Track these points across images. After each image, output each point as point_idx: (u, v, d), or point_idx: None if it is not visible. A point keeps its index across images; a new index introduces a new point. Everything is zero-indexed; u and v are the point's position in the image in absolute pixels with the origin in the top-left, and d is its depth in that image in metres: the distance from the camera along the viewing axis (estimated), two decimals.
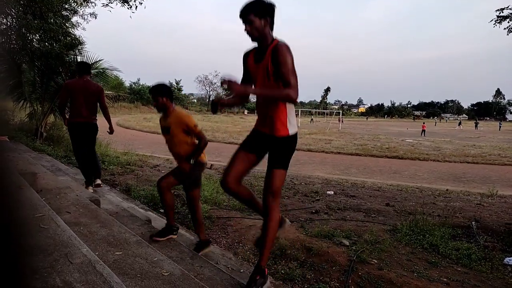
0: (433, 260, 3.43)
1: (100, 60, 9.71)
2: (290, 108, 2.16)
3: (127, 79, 60.09)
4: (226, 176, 2.30)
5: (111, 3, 8.98)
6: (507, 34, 5.79)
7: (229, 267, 2.98)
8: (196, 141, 3.09)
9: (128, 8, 9.10)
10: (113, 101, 13.16)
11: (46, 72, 8.98)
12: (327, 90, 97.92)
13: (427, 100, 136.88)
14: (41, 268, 1.65)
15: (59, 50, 8.71)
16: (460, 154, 15.95)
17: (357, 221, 4.67)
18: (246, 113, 70.78)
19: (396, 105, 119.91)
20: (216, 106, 2.16)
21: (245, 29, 2.06)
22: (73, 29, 9.65)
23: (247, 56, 2.25)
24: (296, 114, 2.33)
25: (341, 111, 53.33)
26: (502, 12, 5.72)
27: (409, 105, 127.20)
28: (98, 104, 4.69)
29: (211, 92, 79.02)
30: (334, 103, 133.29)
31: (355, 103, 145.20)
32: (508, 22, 5.73)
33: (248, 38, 2.11)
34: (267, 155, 2.32)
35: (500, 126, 46.67)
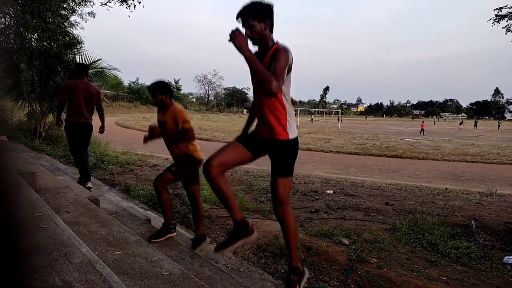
0: (432, 259, 3.43)
1: (98, 60, 9.68)
2: (290, 112, 2.12)
3: (126, 79, 60.06)
4: (211, 159, 2.12)
5: (110, 2, 8.93)
6: (506, 33, 5.79)
7: (228, 266, 2.98)
8: (195, 143, 3.10)
9: (126, 7, 9.07)
10: (112, 100, 13.16)
11: (45, 72, 8.96)
12: (326, 89, 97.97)
13: (426, 99, 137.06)
14: (40, 268, 1.65)
15: (58, 50, 8.68)
16: (459, 153, 15.96)
17: (356, 220, 4.68)
18: (245, 112, 70.78)
19: (395, 104, 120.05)
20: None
21: (245, 34, 2.00)
22: (71, 29, 9.63)
23: None
24: (295, 114, 2.31)
25: (340, 110, 53.38)
26: (501, 11, 5.73)
27: (408, 104, 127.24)
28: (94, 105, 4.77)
29: (210, 92, 79.03)
30: (333, 102, 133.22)
31: (354, 102, 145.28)
32: (507, 21, 5.74)
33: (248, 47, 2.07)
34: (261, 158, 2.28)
35: (499, 125, 46.76)
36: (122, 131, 21.80)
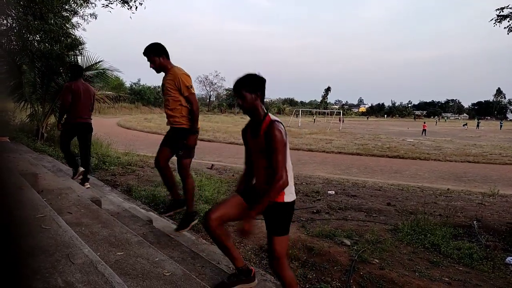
0: (434, 259, 3.43)
1: (100, 61, 9.72)
2: (289, 176, 2.17)
3: (128, 80, 60.01)
4: (212, 212, 2.27)
5: (111, 3, 8.97)
6: (508, 33, 5.78)
7: (230, 267, 2.97)
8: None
9: (128, 9, 9.10)
10: (114, 101, 13.18)
11: (47, 73, 8.99)
12: (328, 90, 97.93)
13: (428, 100, 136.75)
14: (42, 269, 1.65)
15: (60, 51, 8.72)
16: (461, 154, 15.93)
17: (358, 220, 4.67)
18: None
19: (396, 104, 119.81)
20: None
21: (237, 102, 2.20)
22: (73, 30, 9.68)
23: (245, 131, 2.33)
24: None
25: (341, 111, 53.31)
26: (502, 11, 5.71)
27: (409, 105, 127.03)
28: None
29: (211, 92, 79.05)
30: (335, 102, 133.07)
31: (355, 102, 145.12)
32: (508, 21, 5.72)
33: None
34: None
35: (501, 125, 46.68)
36: (124, 132, 21.83)
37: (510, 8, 5.62)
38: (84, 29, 10.14)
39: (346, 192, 6.72)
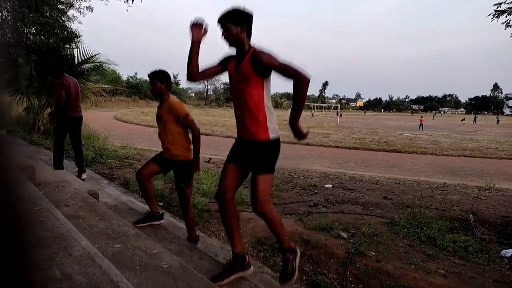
0: (430, 252, 3.45)
1: (97, 54, 9.64)
2: (270, 113, 2.18)
3: (124, 73, 59.57)
4: (221, 188, 2.33)
5: None
6: (505, 29, 5.78)
7: (227, 259, 2.98)
8: (189, 137, 3.07)
9: (124, 2, 9.01)
10: (111, 95, 13.11)
11: (43, 66, 8.92)
12: (325, 84, 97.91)
13: (425, 94, 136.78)
14: (40, 261, 1.66)
15: (56, 44, 8.64)
16: (458, 148, 16.00)
17: (355, 214, 4.69)
18: None
19: (394, 99, 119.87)
20: None
21: (222, 35, 2.17)
22: (69, 23, 9.56)
23: (228, 59, 2.30)
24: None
25: (339, 105, 53.27)
26: (500, 7, 5.71)
27: (407, 99, 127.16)
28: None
29: (208, 86, 78.74)
30: (332, 97, 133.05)
31: (353, 97, 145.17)
32: (506, 16, 5.72)
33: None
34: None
35: (497, 120, 46.78)
36: (120, 126, 21.75)
37: (507, 3, 5.62)
38: (80, 22, 10.03)
39: (343, 185, 6.75)
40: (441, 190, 6.85)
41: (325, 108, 53.80)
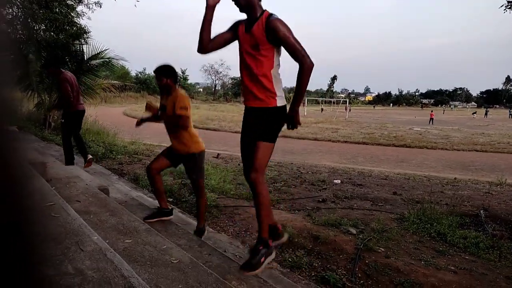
0: (440, 248, 3.43)
1: (106, 50, 9.69)
2: (277, 81, 2.12)
3: (133, 69, 59.90)
4: (246, 168, 2.26)
5: None
6: None
7: (237, 255, 3.01)
8: (194, 133, 3.08)
9: None
10: (120, 90, 13.19)
11: (52, 62, 9.00)
12: (334, 78, 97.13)
13: (436, 88, 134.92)
14: (53, 256, 1.69)
15: (65, 40, 8.71)
16: (469, 143, 15.79)
17: (364, 209, 4.67)
18: None
19: (404, 93, 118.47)
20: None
21: None
22: (78, 19, 9.64)
23: (237, 25, 2.19)
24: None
25: (348, 100, 52.88)
26: None
27: (417, 93, 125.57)
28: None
29: (216, 81, 78.73)
30: (341, 91, 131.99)
31: (362, 91, 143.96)
32: None
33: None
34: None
35: (510, 114, 45.96)
36: (130, 121, 21.87)
37: None
38: (89, 18, 10.09)
39: (352, 181, 6.72)
40: (451, 186, 6.78)
41: (333, 103, 53.47)
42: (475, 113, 49.31)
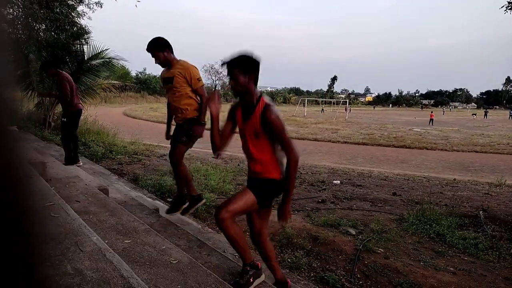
0: (439, 249, 3.43)
1: (106, 50, 9.70)
2: (279, 156, 2.17)
3: (133, 69, 59.88)
4: (221, 208, 2.16)
5: None
6: None
7: (236, 255, 3.01)
8: (195, 99, 3.06)
9: None
10: (120, 91, 13.21)
11: (53, 62, 9.00)
12: (334, 79, 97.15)
13: (436, 89, 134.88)
14: (52, 256, 1.69)
15: (66, 40, 8.72)
16: (468, 143, 15.78)
17: (363, 210, 4.68)
18: None
19: (403, 94, 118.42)
20: None
21: (229, 84, 2.10)
22: (79, 19, 9.64)
23: (235, 109, 2.27)
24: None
25: (348, 100, 52.86)
26: None
27: (417, 94, 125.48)
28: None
29: (217, 82, 78.71)
30: (341, 92, 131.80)
31: (362, 92, 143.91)
32: None
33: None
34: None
35: (510, 115, 45.92)
36: (130, 121, 21.92)
37: None
38: (89, 18, 10.09)
39: (351, 182, 6.72)
40: (451, 187, 6.78)
41: (333, 103, 53.46)
42: (475, 114, 49.26)
